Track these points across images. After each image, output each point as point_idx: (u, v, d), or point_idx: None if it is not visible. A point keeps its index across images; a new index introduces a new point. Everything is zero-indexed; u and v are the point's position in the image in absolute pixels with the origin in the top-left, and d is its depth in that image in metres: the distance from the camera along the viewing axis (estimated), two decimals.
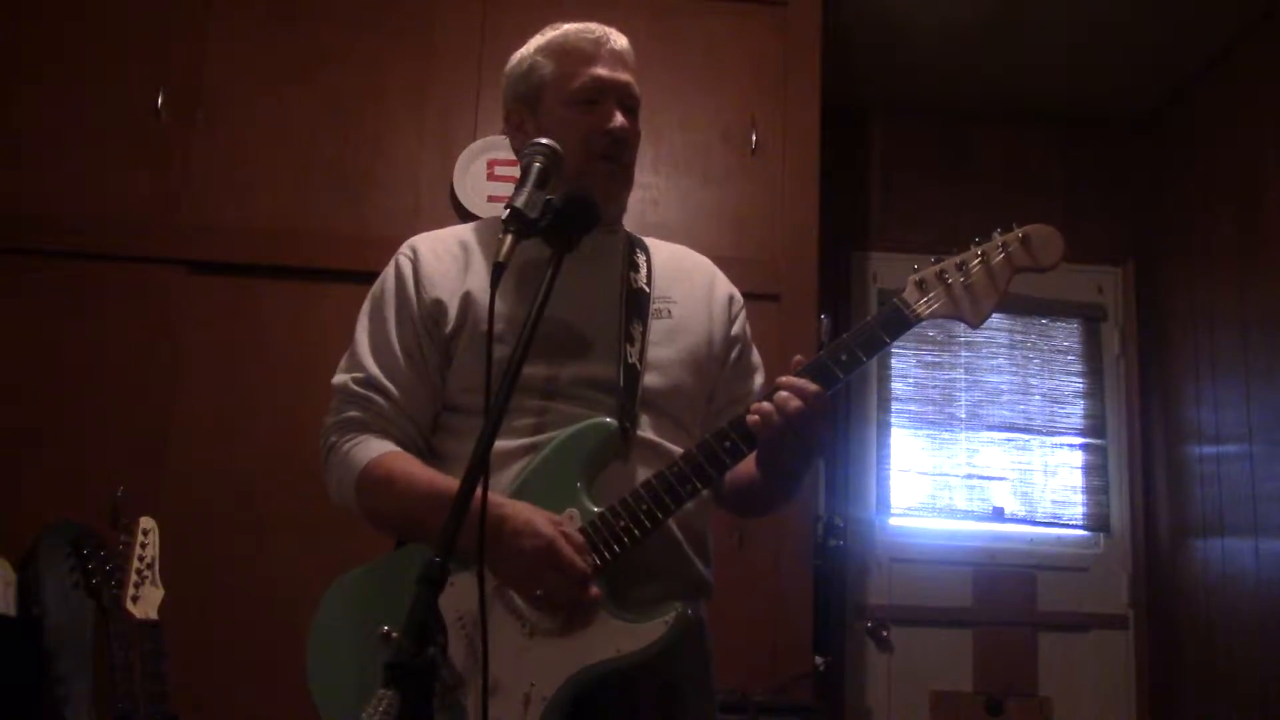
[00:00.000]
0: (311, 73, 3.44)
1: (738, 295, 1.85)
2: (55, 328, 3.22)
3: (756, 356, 1.86)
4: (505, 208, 1.43)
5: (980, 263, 1.58)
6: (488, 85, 3.35)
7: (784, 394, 1.51)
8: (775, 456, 1.58)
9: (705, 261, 1.87)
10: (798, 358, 1.57)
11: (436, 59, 3.47)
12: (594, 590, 1.47)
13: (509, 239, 1.40)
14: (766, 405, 1.52)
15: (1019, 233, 1.58)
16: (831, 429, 1.66)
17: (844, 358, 1.55)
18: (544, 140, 1.53)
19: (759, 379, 1.83)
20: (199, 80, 3.40)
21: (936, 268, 1.58)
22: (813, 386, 1.51)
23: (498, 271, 1.37)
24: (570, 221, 1.47)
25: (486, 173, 3.36)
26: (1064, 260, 1.58)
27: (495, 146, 3.35)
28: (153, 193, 3.32)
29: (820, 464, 3.83)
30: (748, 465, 1.62)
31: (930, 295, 1.57)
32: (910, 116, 4.61)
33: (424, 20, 3.50)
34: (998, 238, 1.59)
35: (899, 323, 1.57)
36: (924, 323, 1.58)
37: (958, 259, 1.59)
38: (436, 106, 3.45)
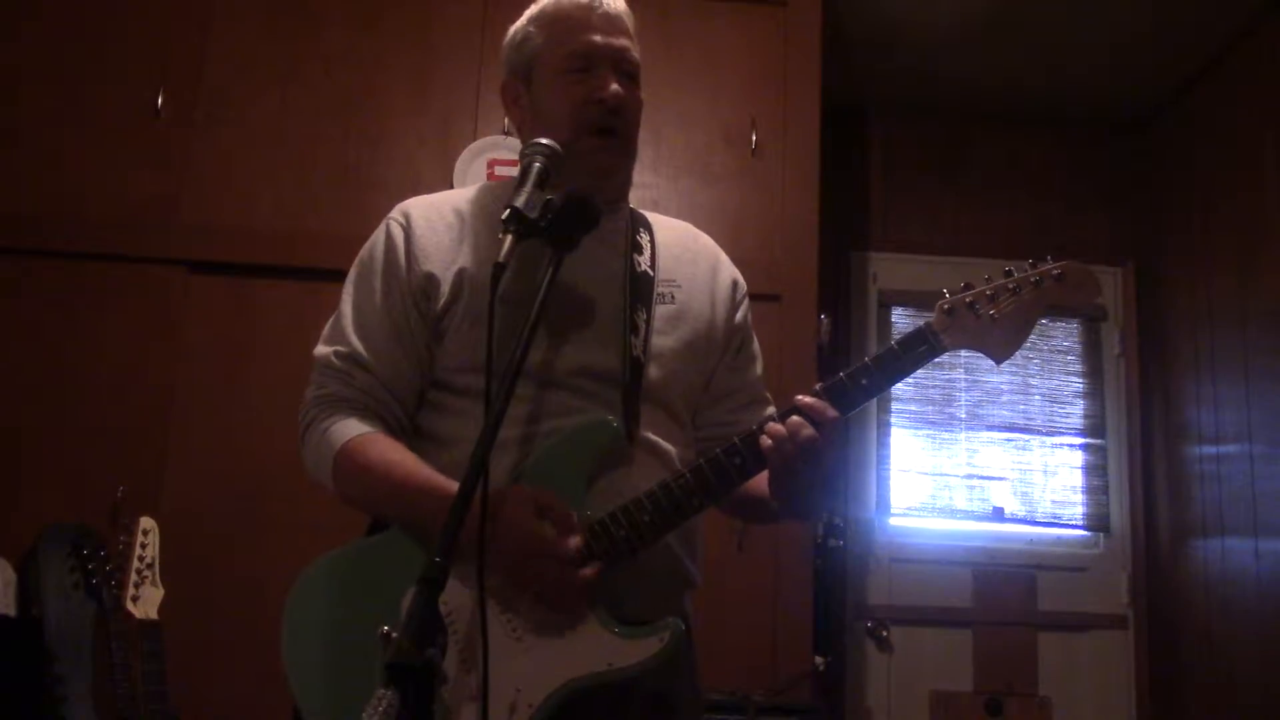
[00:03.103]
0: (311, 73, 3.44)
1: (741, 281, 1.79)
2: (55, 328, 3.22)
3: (756, 346, 1.81)
4: (505, 208, 1.42)
5: (1012, 295, 1.51)
6: (488, 85, 3.35)
7: (797, 420, 1.46)
8: (787, 481, 1.52)
9: (708, 242, 1.81)
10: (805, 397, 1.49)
11: (436, 59, 3.48)
12: (588, 571, 1.43)
13: (509, 239, 1.39)
14: (780, 428, 1.47)
15: (1055, 269, 1.51)
16: (839, 453, 1.57)
17: (864, 382, 1.50)
18: (544, 140, 1.51)
19: (758, 368, 1.79)
20: (199, 80, 3.40)
21: (966, 296, 1.51)
22: (831, 411, 1.47)
23: (498, 273, 1.35)
24: (570, 221, 1.46)
25: (486, 173, 3.36)
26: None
27: (495, 146, 3.35)
28: (153, 193, 3.32)
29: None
30: (758, 482, 1.57)
31: (958, 325, 1.51)
32: (910, 116, 4.61)
33: (424, 20, 3.50)
34: (1030, 270, 1.52)
35: (924, 351, 1.51)
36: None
37: (989, 289, 1.51)
38: (436, 106, 3.45)
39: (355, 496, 1.59)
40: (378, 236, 1.68)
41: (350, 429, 1.57)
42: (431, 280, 1.60)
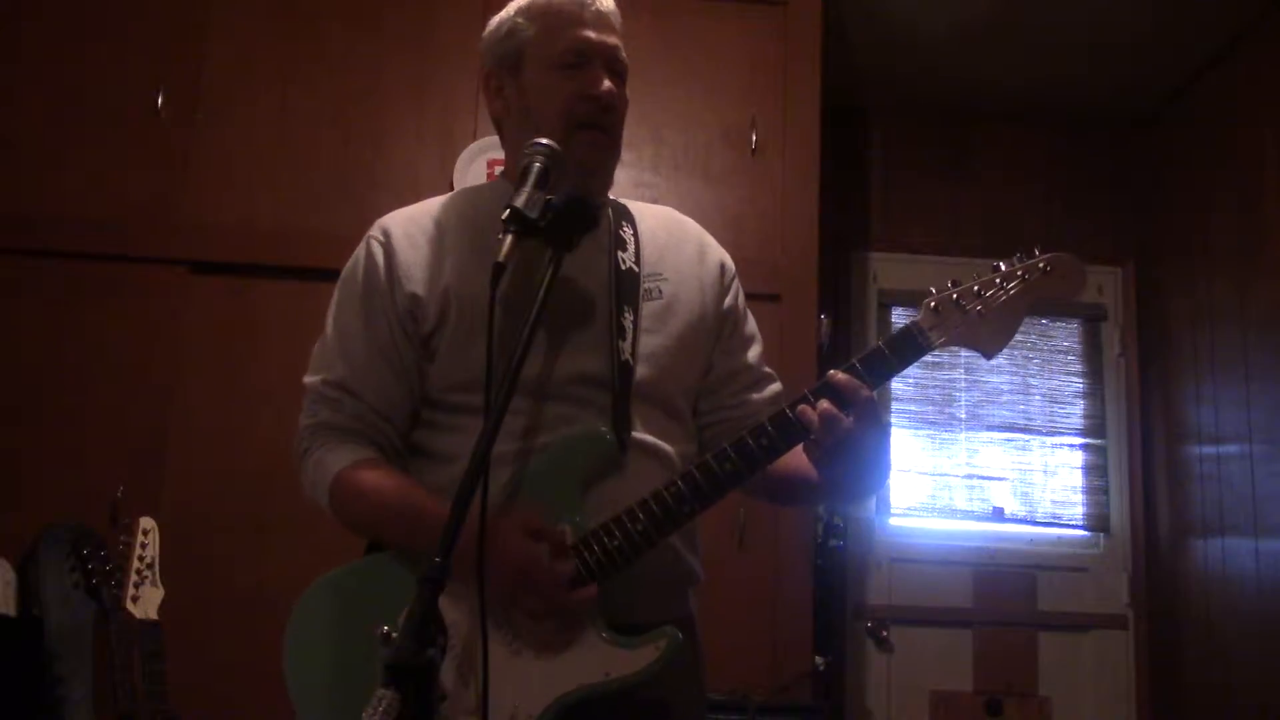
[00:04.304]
0: (311, 73, 3.44)
1: (729, 263, 1.77)
2: (55, 328, 3.22)
3: (752, 325, 1.79)
4: (505, 208, 1.41)
5: (999, 290, 1.51)
6: None
7: (828, 408, 1.44)
8: (833, 469, 1.50)
9: (693, 226, 1.79)
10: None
11: (436, 59, 3.47)
12: (582, 593, 1.43)
13: (509, 239, 1.38)
14: (813, 417, 1.45)
15: (1041, 262, 1.51)
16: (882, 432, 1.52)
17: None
18: (544, 140, 1.51)
19: (755, 350, 1.77)
20: (199, 80, 3.40)
21: (953, 293, 1.51)
22: (865, 390, 1.45)
23: (497, 273, 1.35)
24: (570, 222, 1.46)
25: (486, 173, 3.36)
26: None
27: (495, 146, 3.33)
28: (153, 193, 3.32)
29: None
30: (796, 466, 1.55)
31: (946, 323, 1.50)
32: (910, 116, 4.61)
33: (424, 20, 3.50)
34: (1017, 264, 1.52)
35: (912, 350, 1.50)
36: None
37: (975, 285, 1.51)
38: (436, 106, 3.45)
39: (353, 522, 1.60)
40: (359, 256, 1.66)
41: (343, 457, 1.58)
42: (417, 301, 1.59)
